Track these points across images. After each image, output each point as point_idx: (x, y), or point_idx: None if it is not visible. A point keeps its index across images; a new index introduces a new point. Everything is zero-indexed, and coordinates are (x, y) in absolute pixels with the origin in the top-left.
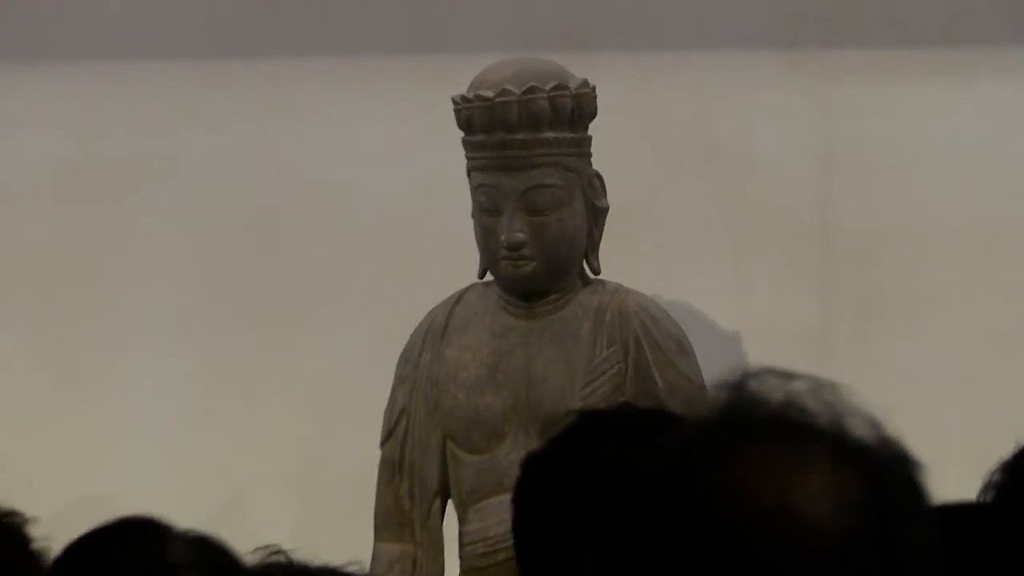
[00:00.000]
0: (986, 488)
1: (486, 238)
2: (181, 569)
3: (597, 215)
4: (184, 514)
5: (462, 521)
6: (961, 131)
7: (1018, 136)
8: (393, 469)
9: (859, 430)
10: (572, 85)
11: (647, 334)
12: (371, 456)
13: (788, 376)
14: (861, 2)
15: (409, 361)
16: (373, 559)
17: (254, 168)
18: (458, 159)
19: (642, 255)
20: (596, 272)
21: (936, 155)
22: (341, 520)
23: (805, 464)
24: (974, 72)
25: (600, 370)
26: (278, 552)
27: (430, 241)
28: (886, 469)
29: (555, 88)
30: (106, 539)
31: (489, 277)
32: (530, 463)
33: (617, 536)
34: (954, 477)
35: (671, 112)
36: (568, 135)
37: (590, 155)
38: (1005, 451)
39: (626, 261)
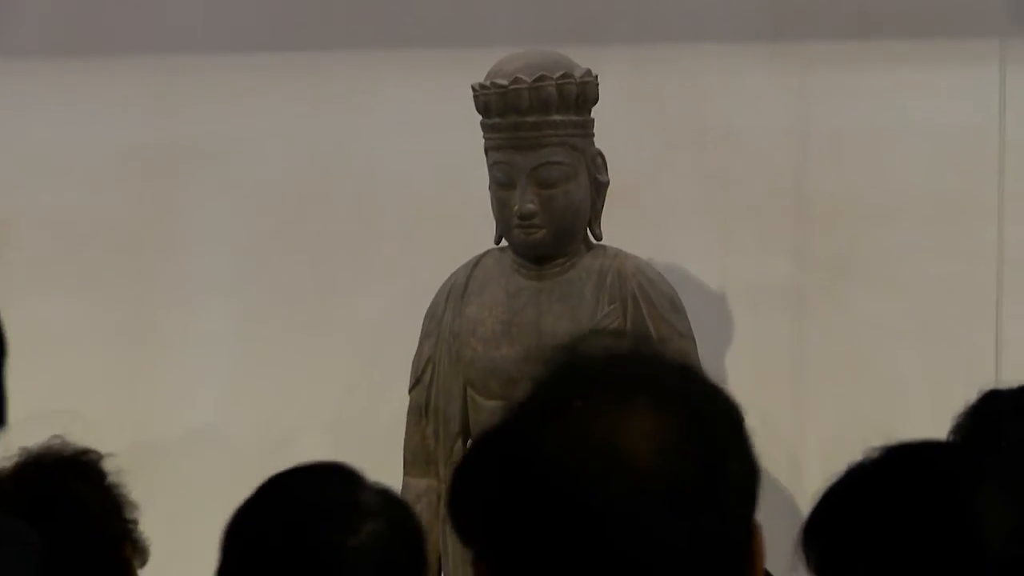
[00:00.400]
0: (955, 428)
1: (501, 209)
2: (370, 514)
3: (599, 188)
4: (238, 450)
5: None
6: (922, 112)
7: (971, 117)
8: (420, 413)
9: (679, 380)
10: (577, 74)
11: (643, 293)
12: (400, 401)
13: (614, 336)
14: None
15: (434, 317)
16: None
17: (296, 146)
18: (476, 140)
19: (639, 223)
20: (598, 238)
21: (900, 134)
22: (375, 457)
23: (628, 412)
24: (934, 60)
25: (601, 325)
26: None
27: (452, 212)
28: (705, 414)
29: (562, 76)
30: (305, 479)
31: (504, 243)
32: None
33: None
34: (915, 415)
35: (665, 97)
36: (573, 118)
37: (593, 135)
38: (959, 393)
39: (625, 228)
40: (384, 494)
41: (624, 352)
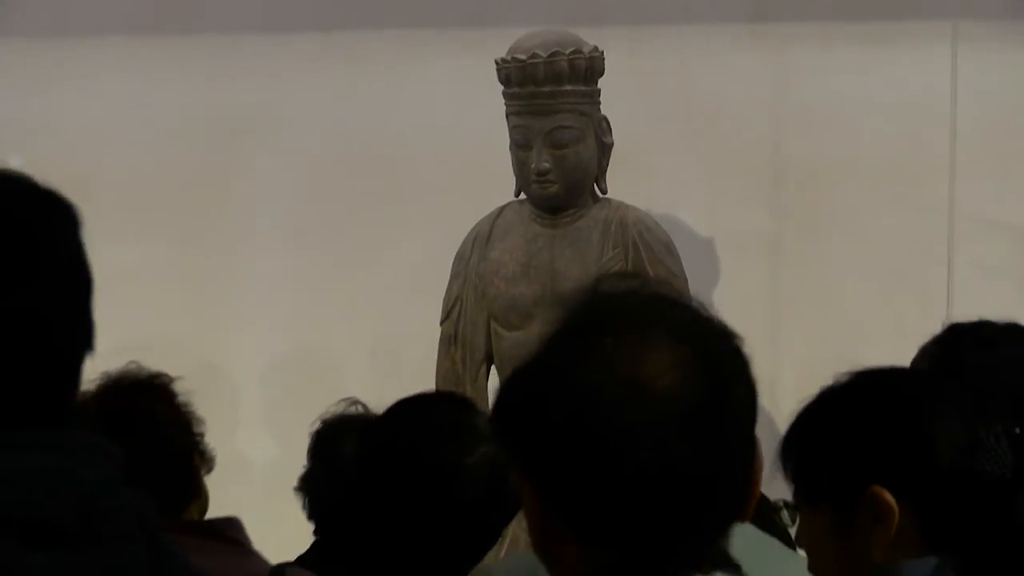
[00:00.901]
0: (921, 355)
1: (520, 167)
2: (484, 438)
3: (605, 149)
4: (291, 373)
5: (502, 382)
6: (884, 86)
7: (927, 90)
8: (450, 342)
9: (689, 316)
10: (586, 50)
11: (643, 239)
12: (432, 333)
13: (630, 277)
14: None
15: (462, 260)
16: None
17: (341, 115)
18: (498, 107)
19: (638, 180)
20: (604, 192)
21: (864, 104)
22: (410, 380)
23: (649, 347)
24: (895, 40)
25: (606, 267)
26: (356, 403)
27: (477, 169)
28: (713, 344)
29: (573, 52)
30: (428, 404)
31: (523, 196)
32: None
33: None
34: (877, 346)
35: (661, 71)
36: (583, 88)
37: (599, 103)
38: (915, 326)
39: (626, 184)
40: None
41: (640, 293)
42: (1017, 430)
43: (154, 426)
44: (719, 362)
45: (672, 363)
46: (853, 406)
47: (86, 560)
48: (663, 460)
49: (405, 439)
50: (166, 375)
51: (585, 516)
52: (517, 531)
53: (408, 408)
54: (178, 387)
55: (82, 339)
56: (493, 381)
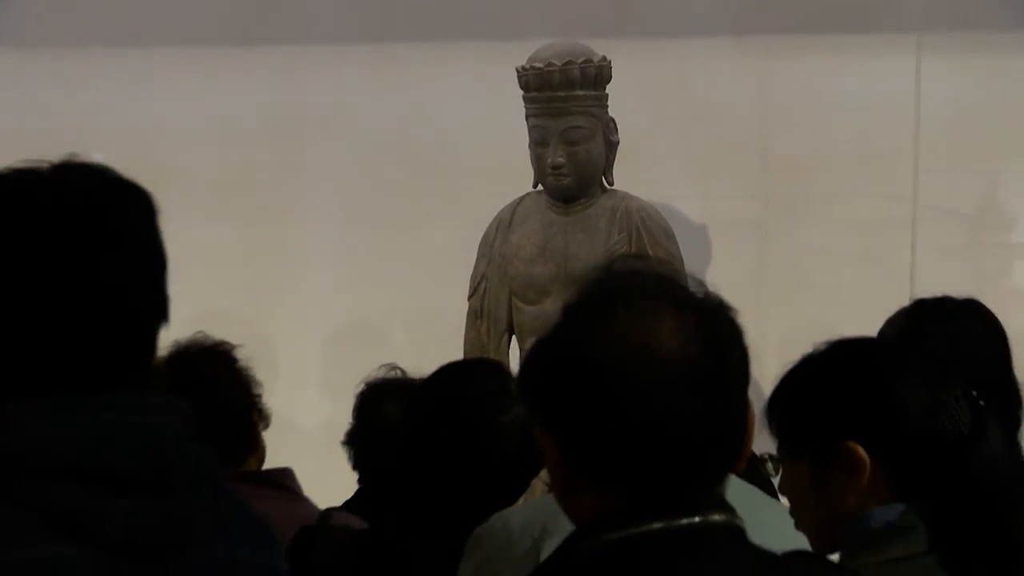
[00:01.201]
0: (889, 325)
1: (538, 161)
2: (515, 399)
3: (612, 146)
4: (340, 341)
5: (521, 350)
6: (856, 90)
7: (894, 93)
8: (476, 315)
9: (688, 290)
10: (595, 59)
11: (644, 225)
12: (461, 306)
13: (635, 259)
14: (785, 3)
15: (487, 243)
16: None
17: (387, 115)
18: (519, 109)
19: (641, 173)
20: (611, 184)
21: (839, 106)
22: (441, 348)
23: (655, 316)
24: (866, 50)
25: (613, 250)
26: (395, 368)
27: (500, 163)
28: (711, 315)
29: (584, 61)
30: (468, 369)
31: (540, 188)
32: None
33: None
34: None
35: (660, 78)
36: (592, 93)
37: (607, 106)
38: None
39: (630, 177)
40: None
41: (645, 272)
42: (974, 393)
43: (217, 388)
44: (717, 330)
45: (676, 330)
46: (830, 371)
47: (160, 506)
48: (670, 414)
49: (449, 400)
50: (228, 343)
51: (600, 464)
52: (535, 480)
53: (451, 373)
54: (239, 353)
55: (157, 312)
56: (514, 350)
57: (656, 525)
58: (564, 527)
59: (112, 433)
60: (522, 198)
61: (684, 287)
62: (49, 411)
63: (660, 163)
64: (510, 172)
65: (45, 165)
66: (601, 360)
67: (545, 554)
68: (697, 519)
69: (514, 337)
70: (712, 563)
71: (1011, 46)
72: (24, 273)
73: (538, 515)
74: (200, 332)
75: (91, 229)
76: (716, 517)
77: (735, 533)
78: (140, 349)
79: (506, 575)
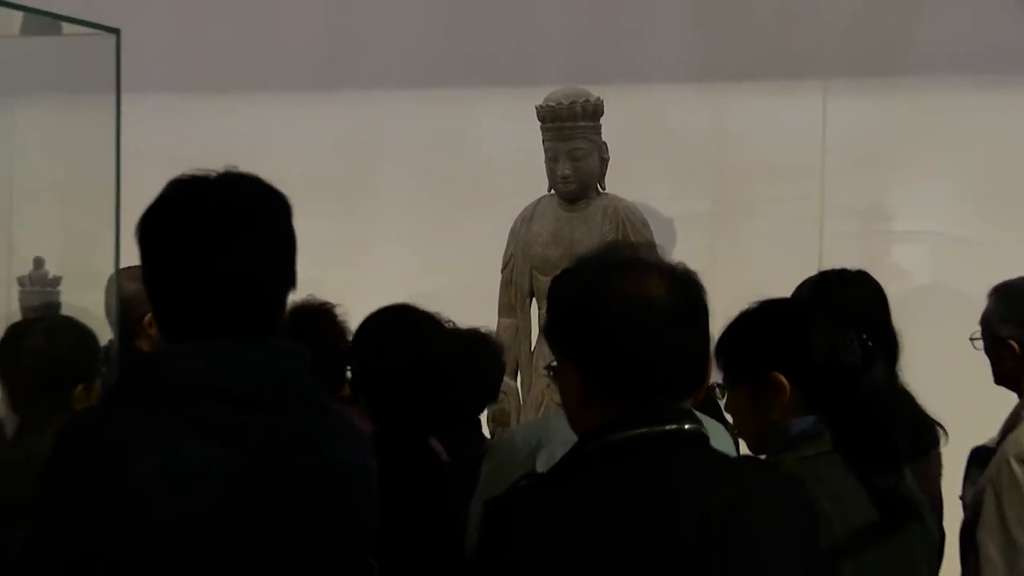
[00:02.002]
0: (800, 289)
1: (551, 173)
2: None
3: (604, 162)
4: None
5: (539, 309)
6: (782, 120)
7: (806, 125)
8: (507, 284)
9: (669, 261)
10: (592, 99)
11: (628, 218)
12: (497, 278)
13: (628, 243)
14: (739, 55)
15: (514, 232)
16: (498, 326)
17: (445, 140)
18: (538, 135)
19: (625, 181)
20: (603, 189)
21: (770, 132)
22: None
23: (645, 276)
24: (786, 92)
25: (605, 236)
26: (449, 322)
27: (524, 174)
28: (683, 277)
29: (584, 101)
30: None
31: (552, 192)
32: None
33: (566, 311)
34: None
35: (639, 112)
36: (590, 123)
37: (600, 132)
38: (799, 276)
39: (617, 184)
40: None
41: (636, 250)
42: (864, 337)
43: (323, 336)
44: (688, 285)
45: (660, 286)
46: (761, 322)
47: (279, 420)
48: (658, 344)
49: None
50: (330, 303)
51: (611, 380)
52: (550, 402)
53: (376, 318)
54: (338, 311)
55: (285, 281)
56: (533, 309)
57: (645, 430)
58: (552, 440)
59: (247, 368)
60: (539, 199)
61: (662, 260)
62: (205, 351)
63: (639, 174)
64: (530, 181)
65: (212, 173)
66: (609, 306)
67: (539, 459)
68: (675, 426)
69: (534, 299)
70: (685, 458)
71: (892, 88)
72: (192, 250)
73: (534, 432)
74: (310, 295)
75: (241, 219)
76: (688, 426)
77: (702, 438)
78: (271, 308)
79: (513, 474)
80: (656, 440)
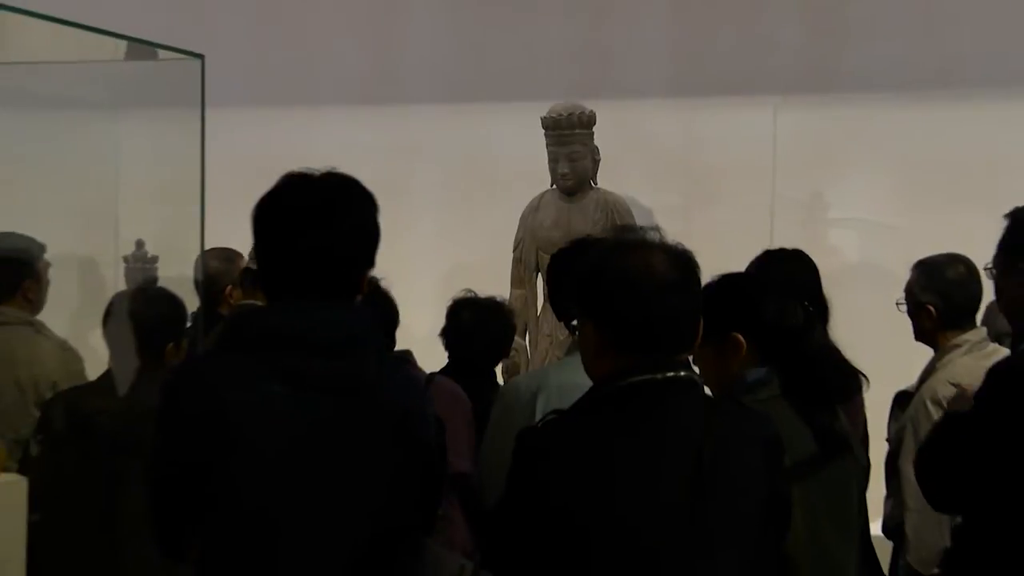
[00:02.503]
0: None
1: (553, 171)
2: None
3: (596, 162)
4: (439, 281)
5: (544, 282)
6: (740, 129)
7: (763, 132)
8: (517, 261)
9: (669, 241)
10: (586, 111)
11: (615, 208)
12: (509, 256)
13: (638, 228)
14: (705, 76)
15: (524, 219)
16: (510, 296)
17: (469, 146)
18: (542, 141)
19: (614, 178)
20: (595, 184)
21: (730, 139)
22: (501, 279)
23: (651, 253)
24: (745, 106)
25: (598, 222)
26: (469, 291)
27: (532, 172)
28: (678, 251)
29: (580, 113)
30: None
31: (554, 187)
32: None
33: (580, 282)
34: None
35: (624, 122)
36: (585, 131)
37: (593, 137)
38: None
39: (607, 180)
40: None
41: (646, 232)
42: (804, 303)
43: (385, 302)
44: (683, 259)
45: (662, 260)
46: (722, 292)
47: (344, 364)
48: (660, 306)
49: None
50: (377, 278)
51: (621, 336)
52: (552, 357)
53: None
54: (382, 283)
55: (362, 260)
56: (539, 283)
57: (648, 377)
58: (548, 387)
59: (317, 323)
60: (544, 193)
61: (665, 240)
62: (282, 310)
63: (624, 172)
64: (537, 178)
65: (316, 172)
66: (621, 275)
67: (538, 402)
68: (672, 374)
69: (539, 274)
70: (681, 399)
71: (829, 103)
72: (277, 231)
73: (535, 380)
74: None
75: (323, 209)
76: (683, 373)
77: (694, 383)
78: (347, 279)
79: (518, 417)
80: (658, 385)
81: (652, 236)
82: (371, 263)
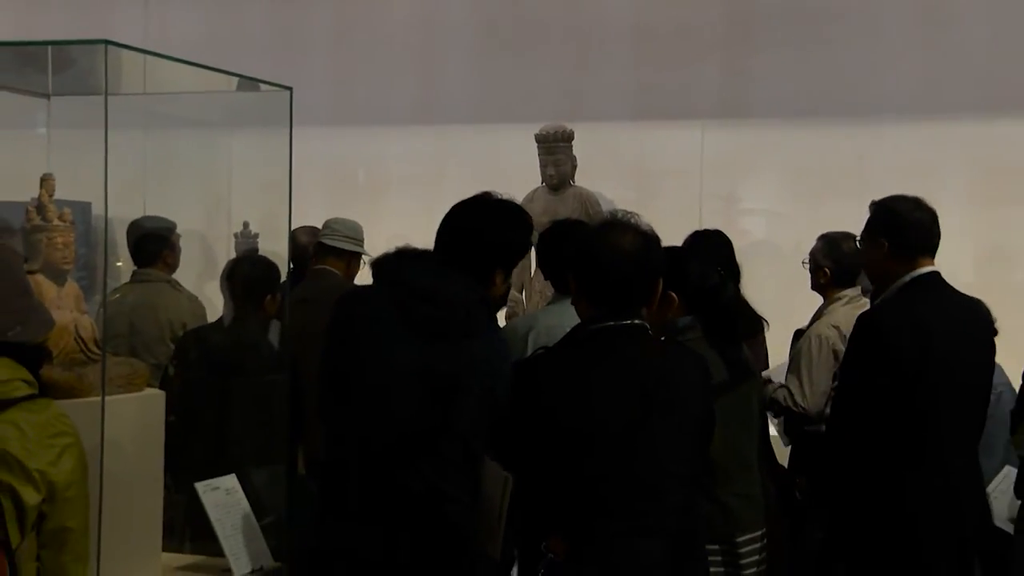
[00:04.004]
0: (684, 243)
1: (543, 173)
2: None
3: (575, 167)
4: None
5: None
6: (679, 147)
7: (690, 150)
8: None
9: (641, 223)
10: (567, 129)
11: (588, 201)
12: None
13: (625, 212)
14: (653, 103)
15: (524, 207)
16: None
17: (485, 156)
18: (534, 151)
19: (586, 179)
20: (573, 182)
21: (676, 153)
22: None
23: (625, 233)
24: (680, 127)
25: (577, 211)
26: None
27: (528, 174)
28: (647, 234)
29: (562, 131)
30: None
31: (544, 185)
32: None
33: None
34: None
35: (596, 139)
36: (566, 144)
37: (572, 149)
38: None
39: (582, 180)
40: None
41: (630, 217)
42: (720, 269)
43: None
44: (649, 239)
45: (628, 238)
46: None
47: (445, 312)
48: (625, 272)
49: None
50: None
51: (591, 292)
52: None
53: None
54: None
55: (501, 264)
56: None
57: (611, 323)
58: (538, 326)
59: (441, 286)
60: (536, 189)
61: (640, 223)
62: (427, 272)
63: (595, 175)
64: (530, 178)
65: (491, 196)
66: (599, 248)
67: (530, 338)
68: (628, 322)
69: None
70: (634, 340)
71: (743, 124)
72: (450, 225)
73: (528, 322)
74: (407, 244)
75: (491, 226)
76: (637, 321)
77: (644, 329)
78: (486, 270)
79: (515, 347)
80: (619, 330)
81: (629, 220)
82: (503, 266)
